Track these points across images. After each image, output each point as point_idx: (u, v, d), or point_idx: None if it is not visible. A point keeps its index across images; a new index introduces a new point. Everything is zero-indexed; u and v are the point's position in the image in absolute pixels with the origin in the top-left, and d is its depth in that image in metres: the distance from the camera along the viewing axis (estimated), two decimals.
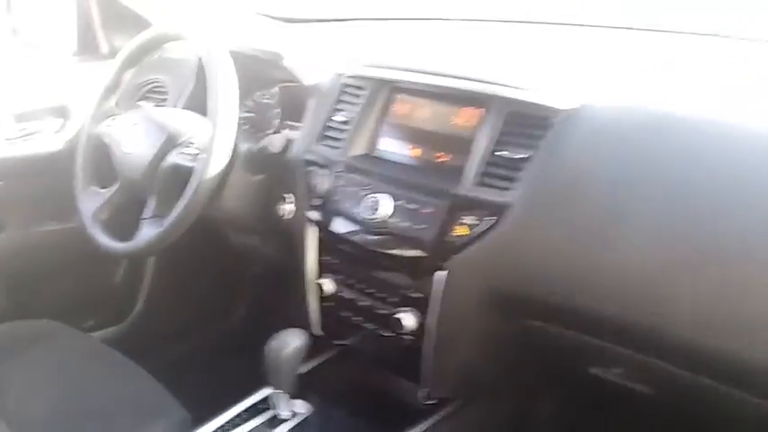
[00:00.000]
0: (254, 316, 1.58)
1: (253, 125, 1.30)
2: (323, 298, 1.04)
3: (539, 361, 0.97)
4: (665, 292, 0.73)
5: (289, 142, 1.08)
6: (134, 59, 1.16)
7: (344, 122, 1.05)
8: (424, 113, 1.00)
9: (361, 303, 0.99)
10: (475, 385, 1.00)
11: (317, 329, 1.08)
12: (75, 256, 1.43)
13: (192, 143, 1.05)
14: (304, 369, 1.09)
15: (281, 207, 1.09)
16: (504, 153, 0.87)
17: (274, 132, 1.20)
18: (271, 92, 1.27)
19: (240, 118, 1.31)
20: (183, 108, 1.28)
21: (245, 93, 1.30)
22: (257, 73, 1.22)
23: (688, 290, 0.72)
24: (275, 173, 1.12)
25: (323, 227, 1.01)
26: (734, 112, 0.80)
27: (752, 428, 0.84)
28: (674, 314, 0.73)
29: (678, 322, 0.73)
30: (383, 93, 1.03)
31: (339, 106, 1.07)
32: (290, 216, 1.07)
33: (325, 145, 1.06)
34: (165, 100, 1.34)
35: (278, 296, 1.29)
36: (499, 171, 0.87)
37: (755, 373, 0.71)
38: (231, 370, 1.23)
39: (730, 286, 0.70)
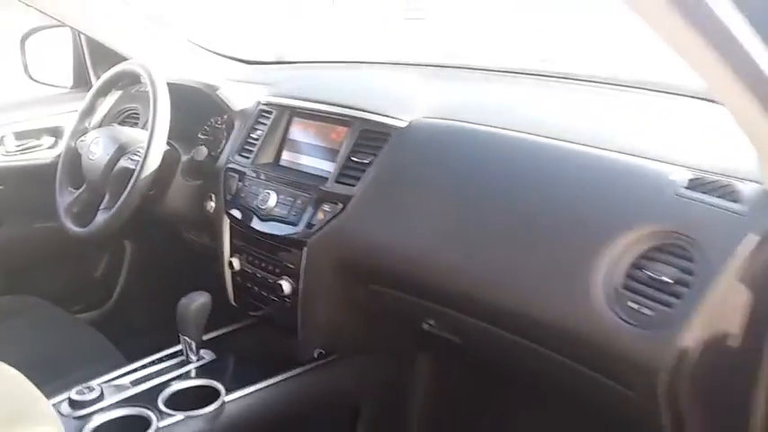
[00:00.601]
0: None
1: (208, 145, 1.62)
2: (234, 273, 1.34)
3: (389, 320, 1.24)
4: (442, 259, 1.01)
5: (209, 153, 1.40)
6: (104, 90, 1.50)
7: (257, 139, 1.36)
8: (313, 131, 1.30)
9: (258, 275, 1.28)
10: (344, 341, 1.27)
11: (231, 300, 1.37)
12: (61, 251, 1.75)
13: (139, 151, 1.36)
14: (219, 332, 1.38)
15: (208, 204, 1.40)
16: (355, 158, 1.17)
17: (220, 151, 1.52)
18: (222, 118, 1.59)
19: (199, 139, 1.64)
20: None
21: (202, 119, 1.63)
22: (210, 103, 1.53)
23: (457, 255, 0.99)
24: (208, 178, 1.43)
25: (232, 217, 1.32)
26: (520, 129, 1.07)
27: (537, 374, 1.09)
28: (447, 271, 1.00)
29: (452, 277, 1.00)
30: (285, 116, 1.35)
31: (256, 126, 1.38)
32: (212, 211, 1.38)
33: (241, 156, 1.37)
34: (136, 123, 1.68)
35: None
36: (350, 172, 1.16)
37: (504, 314, 0.97)
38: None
39: (484, 251, 0.97)
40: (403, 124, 1.15)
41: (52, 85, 1.84)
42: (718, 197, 0.80)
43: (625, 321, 0.80)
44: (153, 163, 1.29)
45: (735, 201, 0.79)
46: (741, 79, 0.63)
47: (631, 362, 0.80)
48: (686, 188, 0.82)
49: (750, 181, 0.80)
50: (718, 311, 0.76)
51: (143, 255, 1.85)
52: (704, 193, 0.81)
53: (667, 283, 0.79)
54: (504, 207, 0.97)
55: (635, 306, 0.80)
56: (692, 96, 1.07)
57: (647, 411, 0.82)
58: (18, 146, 1.65)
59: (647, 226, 0.82)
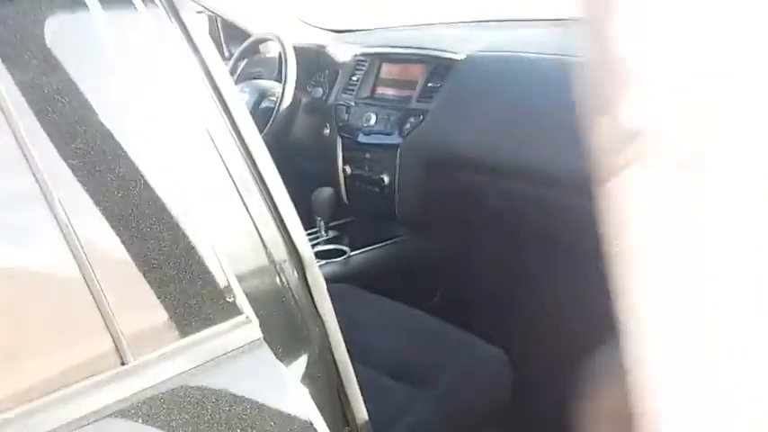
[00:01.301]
0: None
1: (321, 89, 2.14)
2: (346, 177, 1.87)
3: (461, 199, 1.72)
4: (492, 143, 1.49)
5: (324, 94, 1.93)
6: (242, 55, 2.05)
7: (357, 80, 1.88)
8: (397, 71, 1.81)
9: (365, 175, 1.81)
10: (429, 219, 1.77)
11: (345, 199, 1.90)
12: None
13: (275, 95, 1.91)
14: (339, 222, 1.91)
15: (324, 131, 1.93)
16: (430, 84, 1.67)
17: (330, 92, 2.04)
18: (330, 69, 2.11)
19: (313, 85, 2.16)
20: None
21: (316, 70, 2.15)
22: (320, 58, 2.05)
23: (502, 138, 1.48)
24: (323, 113, 1.96)
25: (343, 136, 1.84)
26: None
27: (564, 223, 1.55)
28: (497, 151, 1.49)
29: (500, 154, 1.49)
30: (376, 62, 1.86)
31: (355, 71, 1.90)
32: (328, 135, 1.91)
33: (346, 93, 1.89)
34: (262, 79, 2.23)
35: None
36: (427, 94, 1.66)
37: (536, 173, 1.43)
38: None
39: (521, 134, 1.45)
40: (461, 57, 1.64)
41: None
42: None
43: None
44: (286, 102, 1.83)
45: None
46: None
47: None
48: None
49: None
50: None
51: None
52: None
53: None
54: (528, 103, 1.45)
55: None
56: None
57: None
58: None
59: None
